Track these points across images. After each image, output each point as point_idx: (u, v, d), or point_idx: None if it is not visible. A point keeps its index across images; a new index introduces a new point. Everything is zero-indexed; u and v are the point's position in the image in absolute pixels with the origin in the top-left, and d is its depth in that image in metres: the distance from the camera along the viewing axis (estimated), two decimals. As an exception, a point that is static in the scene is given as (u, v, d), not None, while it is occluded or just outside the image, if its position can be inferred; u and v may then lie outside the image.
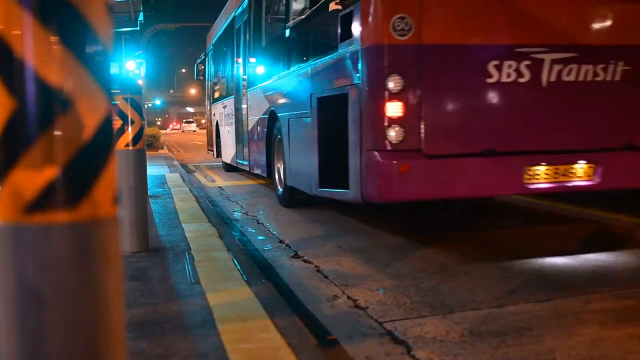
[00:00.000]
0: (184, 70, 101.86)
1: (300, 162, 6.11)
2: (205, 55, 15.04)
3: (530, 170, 4.35)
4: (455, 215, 6.60)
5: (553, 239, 5.28)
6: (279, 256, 4.87)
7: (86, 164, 0.92)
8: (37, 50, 0.88)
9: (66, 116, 0.90)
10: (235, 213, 7.18)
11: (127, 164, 4.28)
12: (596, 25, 4.46)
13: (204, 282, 3.64)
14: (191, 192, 8.37)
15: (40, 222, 0.89)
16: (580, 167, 4.46)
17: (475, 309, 3.42)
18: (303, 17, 5.88)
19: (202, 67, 15.47)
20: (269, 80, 7.73)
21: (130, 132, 4.31)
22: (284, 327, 2.82)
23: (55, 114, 0.89)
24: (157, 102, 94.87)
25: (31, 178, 0.89)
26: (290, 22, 6.35)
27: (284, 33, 6.64)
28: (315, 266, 4.51)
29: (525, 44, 4.28)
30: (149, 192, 7.71)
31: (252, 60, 8.95)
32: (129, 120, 4.28)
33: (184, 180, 10.06)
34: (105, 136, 0.94)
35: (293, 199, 7.08)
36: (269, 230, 6.01)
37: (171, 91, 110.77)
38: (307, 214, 6.90)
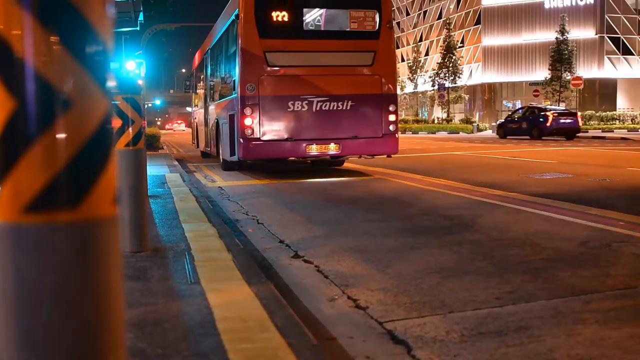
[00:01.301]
0: (184, 70, 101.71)
1: (224, 145, 12.45)
2: (191, 75, 22.27)
3: (309, 147, 10.78)
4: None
5: (553, 239, 5.28)
6: (279, 256, 4.87)
7: (86, 164, 0.92)
8: (37, 50, 0.88)
9: (66, 116, 0.90)
10: (235, 213, 7.18)
11: (127, 164, 4.28)
12: (333, 87, 10.87)
13: (204, 282, 3.64)
14: (191, 192, 8.37)
15: (40, 222, 0.89)
16: (332, 145, 10.90)
17: (475, 309, 3.42)
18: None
19: (188, 83, 22.61)
20: (215, 102, 14.68)
21: (130, 132, 4.31)
22: (284, 327, 2.82)
23: (55, 114, 0.89)
24: (157, 102, 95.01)
25: (31, 178, 0.89)
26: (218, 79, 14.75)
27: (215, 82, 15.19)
28: (316, 266, 4.51)
29: (306, 95, 10.75)
30: (149, 192, 7.71)
31: (213, 82, 15.72)
32: (129, 120, 4.28)
33: (184, 180, 10.06)
34: (105, 136, 0.94)
35: (226, 165, 12.84)
36: (269, 230, 6.01)
37: (171, 91, 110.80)
38: (306, 214, 6.91)
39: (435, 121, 51.44)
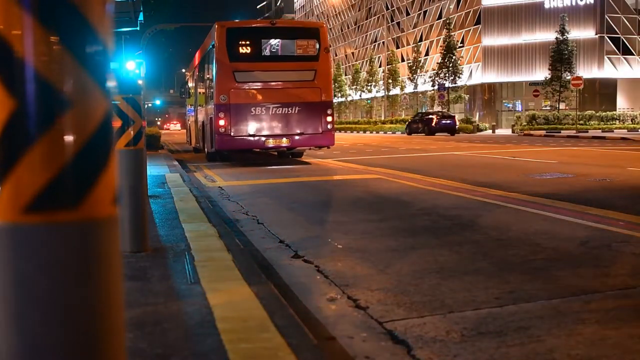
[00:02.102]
0: (184, 70, 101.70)
1: (207, 140, 16.27)
2: (185, 83, 26.18)
3: (267, 141, 14.57)
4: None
5: (553, 239, 5.28)
6: (279, 256, 4.87)
7: (86, 164, 0.91)
8: (37, 50, 0.88)
9: (66, 116, 0.90)
10: (235, 213, 7.18)
11: (127, 164, 4.28)
12: (284, 97, 14.57)
13: (204, 282, 3.64)
14: (191, 192, 8.37)
15: (40, 222, 0.89)
16: (284, 140, 14.57)
17: (475, 309, 3.42)
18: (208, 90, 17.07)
19: (183, 90, 25.45)
20: (201, 107, 18.67)
21: (130, 132, 4.31)
22: (284, 327, 2.82)
23: (55, 114, 0.89)
24: (157, 102, 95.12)
25: (31, 178, 0.89)
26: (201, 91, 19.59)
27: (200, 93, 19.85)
28: (316, 266, 4.51)
29: (264, 103, 14.60)
30: (149, 192, 7.71)
31: (200, 92, 19.96)
32: (129, 120, 4.28)
33: (184, 180, 10.06)
34: (105, 136, 0.94)
35: (209, 157, 16.30)
36: (269, 230, 6.01)
37: (171, 91, 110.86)
38: (306, 214, 6.91)
39: (435, 121, 51.43)
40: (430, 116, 37.92)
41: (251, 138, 14.64)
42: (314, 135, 14.90)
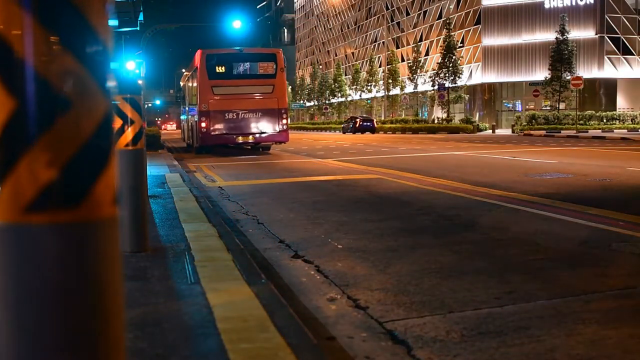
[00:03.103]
0: (184, 70, 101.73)
1: (194, 138, 21.77)
2: (179, 91, 31.69)
3: (237, 138, 20.16)
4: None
5: (553, 239, 5.28)
6: (279, 256, 4.87)
7: (86, 164, 0.91)
8: (37, 50, 0.88)
9: (66, 116, 0.90)
10: (235, 213, 7.18)
11: (127, 164, 4.28)
12: (250, 105, 20.13)
13: (204, 282, 3.64)
14: (191, 192, 8.37)
15: (40, 222, 0.89)
16: (250, 137, 20.20)
17: (475, 309, 3.42)
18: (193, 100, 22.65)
19: (178, 95, 31.62)
20: (190, 112, 23.75)
21: (130, 132, 4.31)
22: (284, 327, 2.82)
23: (55, 114, 0.89)
24: (157, 102, 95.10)
25: (31, 178, 0.89)
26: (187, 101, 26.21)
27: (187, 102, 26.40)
28: (316, 266, 4.51)
29: (235, 109, 20.13)
30: (149, 192, 7.71)
31: (188, 100, 25.61)
32: (129, 120, 4.28)
33: (184, 180, 10.06)
34: (105, 136, 0.94)
35: (197, 151, 20.98)
36: (269, 230, 6.01)
37: (171, 91, 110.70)
38: (306, 214, 6.92)
39: (435, 121, 51.43)
40: (356, 119, 50.40)
41: (226, 136, 20.14)
42: (272, 134, 20.33)
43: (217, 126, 19.79)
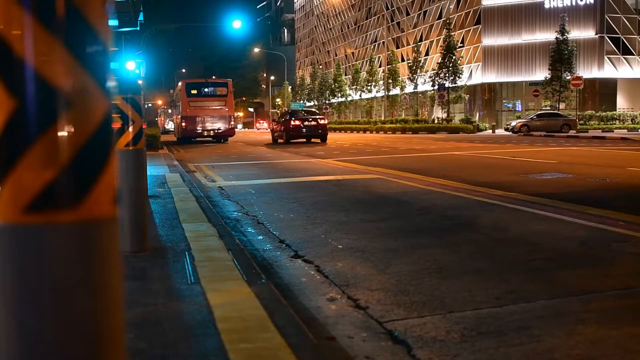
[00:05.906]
0: (184, 70, 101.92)
1: (178, 132, 37.74)
2: (172, 100, 49.16)
3: (203, 132, 33.90)
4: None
5: (553, 239, 5.28)
6: (279, 256, 4.87)
7: (86, 164, 0.91)
8: (37, 50, 0.88)
9: (66, 116, 0.90)
10: (235, 213, 7.18)
11: (127, 164, 4.28)
12: (212, 112, 34.30)
13: (204, 282, 3.64)
14: (191, 192, 8.37)
15: (40, 222, 0.89)
16: (212, 132, 33.91)
17: (475, 309, 3.42)
18: (178, 108, 38.34)
19: (172, 102, 49.19)
20: (176, 115, 40.57)
21: (130, 132, 4.31)
22: (284, 327, 2.82)
23: (55, 114, 0.89)
24: (158, 102, 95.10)
25: (31, 178, 0.89)
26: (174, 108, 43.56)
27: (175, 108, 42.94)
28: (316, 266, 4.51)
29: (202, 115, 34.24)
30: (149, 192, 7.71)
31: (175, 107, 42.37)
32: (129, 120, 4.28)
33: (184, 180, 10.06)
34: (105, 136, 0.94)
35: (179, 141, 34.83)
36: (269, 230, 6.01)
37: (171, 91, 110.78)
38: (306, 214, 6.91)
39: (435, 121, 51.43)
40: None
41: (195, 131, 32.56)
42: (225, 130, 33.16)
43: (191, 125, 32.54)
